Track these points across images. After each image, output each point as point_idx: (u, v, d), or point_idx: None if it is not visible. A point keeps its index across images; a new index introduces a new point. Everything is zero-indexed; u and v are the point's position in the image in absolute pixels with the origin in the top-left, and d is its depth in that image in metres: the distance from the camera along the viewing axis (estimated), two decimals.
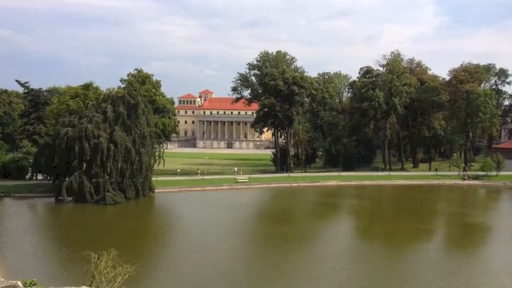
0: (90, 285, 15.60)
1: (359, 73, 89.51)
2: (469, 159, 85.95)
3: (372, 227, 47.03)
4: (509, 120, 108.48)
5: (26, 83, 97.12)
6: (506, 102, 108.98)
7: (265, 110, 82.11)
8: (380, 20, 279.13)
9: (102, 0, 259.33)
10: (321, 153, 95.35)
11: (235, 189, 67.62)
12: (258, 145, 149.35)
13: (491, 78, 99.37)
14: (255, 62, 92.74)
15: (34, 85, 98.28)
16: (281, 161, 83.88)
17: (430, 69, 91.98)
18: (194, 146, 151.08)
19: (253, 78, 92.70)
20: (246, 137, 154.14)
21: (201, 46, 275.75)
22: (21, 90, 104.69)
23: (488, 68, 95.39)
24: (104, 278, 16.05)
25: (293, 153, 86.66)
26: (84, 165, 56.29)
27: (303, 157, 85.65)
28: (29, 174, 66.20)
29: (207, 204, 57.39)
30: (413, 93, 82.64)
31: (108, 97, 62.56)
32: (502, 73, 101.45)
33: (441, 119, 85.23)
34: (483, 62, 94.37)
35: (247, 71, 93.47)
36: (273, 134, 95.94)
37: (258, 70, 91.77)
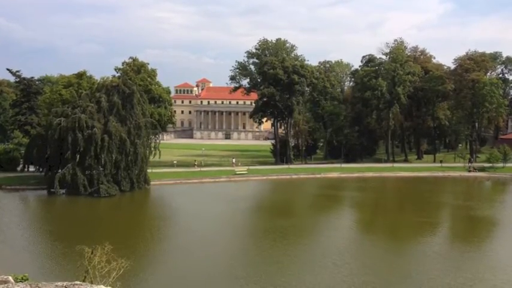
0: (83, 281, 14.68)
1: (361, 62, 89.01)
2: (475, 151, 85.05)
3: (374, 220, 46.62)
4: None
5: (18, 71, 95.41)
6: None
7: (265, 99, 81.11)
8: (383, 6, 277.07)
9: None
10: (322, 144, 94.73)
11: (233, 182, 66.93)
12: (257, 136, 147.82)
13: (498, 66, 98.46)
14: (253, 50, 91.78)
15: (26, 74, 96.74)
16: (281, 153, 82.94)
17: (434, 58, 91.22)
18: (191, 136, 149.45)
19: (252, 66, 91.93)
20: (244, 127, 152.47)
21: (199, 34, 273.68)
22: (12, 79, 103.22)
23: (494, 56, 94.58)
24: (97, 273, 16.07)
25: (293, 144, 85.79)
26: (78, 156, 55.55)
27: (304, 148, 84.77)
28: (21, 165, 65.20)
29: (205, 197, 57.08)
30: (417, 82, 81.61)
31: (102, 86, 61.93)
32: (509, 61, 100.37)
33: (446, 109, 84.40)
34: (489, 50, 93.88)
35: (245, 59, 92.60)
36: (273, 125, 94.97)
37: (257, 58, 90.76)
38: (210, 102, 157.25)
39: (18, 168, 65.35)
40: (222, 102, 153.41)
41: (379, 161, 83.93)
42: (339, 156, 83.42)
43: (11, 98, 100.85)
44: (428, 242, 36.61)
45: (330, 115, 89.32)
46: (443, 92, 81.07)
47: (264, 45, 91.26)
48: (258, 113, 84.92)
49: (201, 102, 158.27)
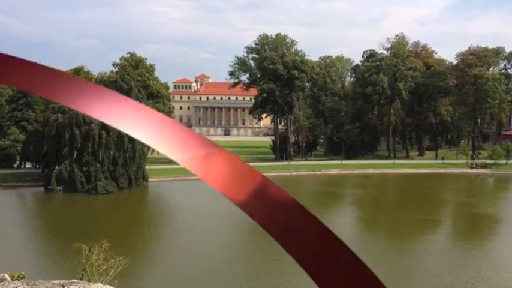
0: (81, 279, 14.35)
1: (362, 57, 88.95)
2: (477, 147, 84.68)
3: (375, 217, 46.70)
4: None
5: None
6: None
7: (264, 95, 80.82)
8: (384, 1, 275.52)
9: None
10: (322, 141, 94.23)
11: None
12: (257, 132, 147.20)
13: (501, 62, 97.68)
14: (253, 45, 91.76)
15: None
16: (280, 149, 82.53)
17: (436, 53, 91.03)
18: None
19: (251, 62, 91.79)
20: (244, 123, 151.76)
21: (197, 28, 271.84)
22: None
23: (497, 52, 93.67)
24: (95, 271, 16.05)
25: (293, 140, 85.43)
26: (75, 153, 55.29)
27: (304, 145, 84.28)
28: (17, 162, 65.27)
29: (203, 194, 55.05)
30: (418, 78, 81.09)
31: (100, 82, 61.62)
32: None
33: (448, 105, 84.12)
34: (492, 45, 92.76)
35: (245, 54, 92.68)
36: (272, 121, 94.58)
37: (256, 54, 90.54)
38: (209, 98, 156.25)
39: (15, 165, 65.25)
40: (221, 98, 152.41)
41: (380, 157, 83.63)
42: (339, 152, 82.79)
43: (7, 94, 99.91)
44: (430, 239, 36.61)
45: (331, 111, 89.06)
46: (445, 87, 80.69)
47: (263, 40, 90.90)
48: (258, 108, 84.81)
49: (200, 98, 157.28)
